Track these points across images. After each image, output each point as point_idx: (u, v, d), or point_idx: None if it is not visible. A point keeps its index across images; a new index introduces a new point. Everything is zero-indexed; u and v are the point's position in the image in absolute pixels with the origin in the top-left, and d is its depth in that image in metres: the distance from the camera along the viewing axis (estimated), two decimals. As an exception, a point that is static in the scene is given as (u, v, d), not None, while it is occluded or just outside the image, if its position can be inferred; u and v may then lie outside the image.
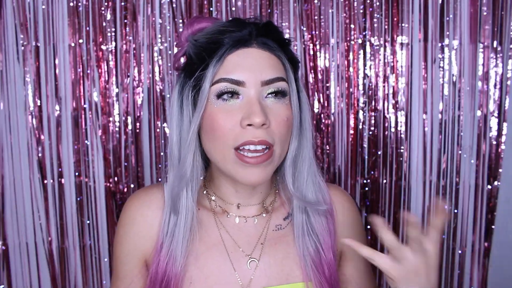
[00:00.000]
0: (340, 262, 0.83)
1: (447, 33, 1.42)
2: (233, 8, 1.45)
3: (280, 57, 0.71)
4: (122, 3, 1.46)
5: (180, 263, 0.73)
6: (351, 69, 1.46)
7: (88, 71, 1.49)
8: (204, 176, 0.81)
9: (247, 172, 0.68)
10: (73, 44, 1.48)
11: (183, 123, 0.72)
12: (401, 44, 1.44)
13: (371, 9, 1.44)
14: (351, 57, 1.46)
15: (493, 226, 1.46)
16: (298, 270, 0.76)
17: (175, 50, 1.48)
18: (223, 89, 0.68)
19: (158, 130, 1.51)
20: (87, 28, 1.47)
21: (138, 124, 1.51)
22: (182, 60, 0.78)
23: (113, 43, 1.48)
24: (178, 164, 0.73)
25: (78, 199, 1.53)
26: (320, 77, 1.47)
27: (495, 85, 1.42)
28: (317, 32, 1.46)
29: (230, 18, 0.75)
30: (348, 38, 1.45)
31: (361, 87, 1.47)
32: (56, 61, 1.48)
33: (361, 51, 1.46)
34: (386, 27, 1.44)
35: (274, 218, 0.80)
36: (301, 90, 0.75)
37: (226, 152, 0.69)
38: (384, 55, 1.45)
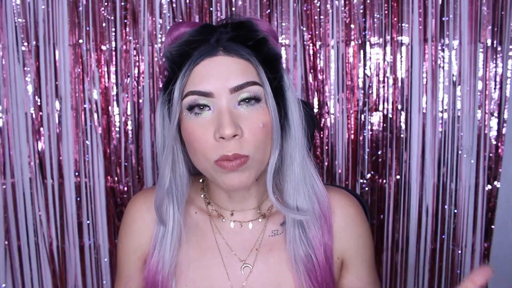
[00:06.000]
0: (342, 271, 0.81)
1: (447, 33, 1.42)
2: (233, 8, 1.45)
3: (250, 60, 0.68)
4: (122, 3, 1.46)
5: (168, 272, 0.75)
6: (351, 69, 1.46)
7: (88, 71, 1.49)
8: (202, 179, 0.82)
9: (228, 178, 0.68)
10: (73, 44, 1.48)
11: (163, 136, 0.73)
12: (401, 44, 1.44)
13: (370, 6, 1.44)
14: (351, 57, 1.46)
15: (493, 226, 1.46)
16: (291, 276, 0.76)
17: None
18: (192, 103, 0.67)
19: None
20: (87, 28, 1.47)
21: (138, 124, 1.51)
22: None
23: (113, 43, 1.48)
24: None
25: (78, 199, 1.53)
26: (320, 77, 1.47)
27: (495, 85, 1.42)
28: (317, 32, 1.46)
29: (202, 24, 0.73)
30: (348, 38, 1.45)
31: (361, 87, 1.47)
32: (56, 61, 1.48)
33: (361, 51, 1.46)
34: (386, 27, 1.44)
35: (270, 223, 0.78)
36: (287, 87, 0.72)
37: (207, 163, 0.69)
38: (384, 55, 1.45)
